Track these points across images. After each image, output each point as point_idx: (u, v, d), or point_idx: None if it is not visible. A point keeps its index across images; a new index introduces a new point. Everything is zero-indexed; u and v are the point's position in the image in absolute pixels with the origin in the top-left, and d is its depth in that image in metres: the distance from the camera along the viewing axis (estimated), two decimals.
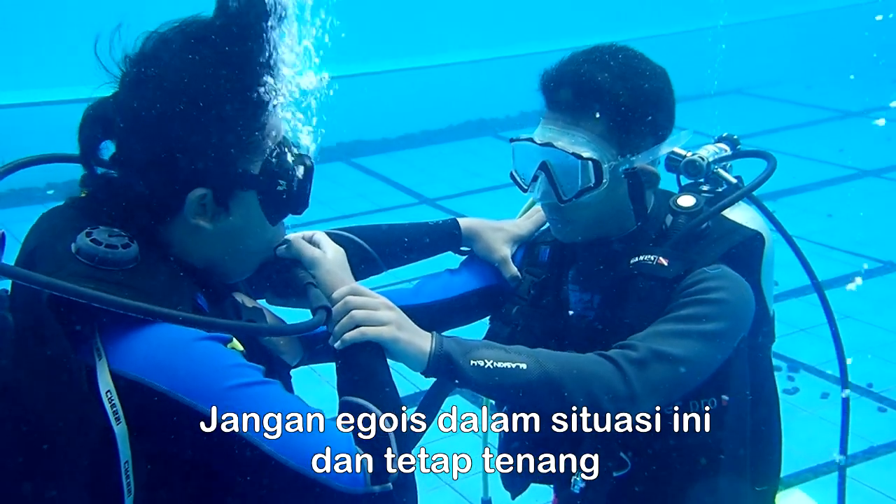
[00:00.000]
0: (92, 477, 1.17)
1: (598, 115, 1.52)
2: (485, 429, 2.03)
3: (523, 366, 1.40)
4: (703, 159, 1.66)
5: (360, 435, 1.24)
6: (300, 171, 1.33)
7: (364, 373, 1.34)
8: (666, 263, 1.54)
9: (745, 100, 9.28)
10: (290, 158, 1.32)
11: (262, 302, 1.55)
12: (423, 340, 1.39)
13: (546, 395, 1.41)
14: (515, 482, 1.75)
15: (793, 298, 4.43)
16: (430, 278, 1.77)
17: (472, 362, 1.39)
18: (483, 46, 8.67)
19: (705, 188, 1.68)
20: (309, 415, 1.22)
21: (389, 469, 1.22)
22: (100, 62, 1.25)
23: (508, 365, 1.40)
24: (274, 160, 1.30)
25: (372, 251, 1.69)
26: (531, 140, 1.58)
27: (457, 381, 1.41)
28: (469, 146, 8.23)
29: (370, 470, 1.21)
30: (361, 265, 1.70)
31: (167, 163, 1.24)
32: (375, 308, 1.37)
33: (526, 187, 1.61)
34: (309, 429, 1.20)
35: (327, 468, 1.18)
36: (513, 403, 1.46)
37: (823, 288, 1.81)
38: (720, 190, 1.68)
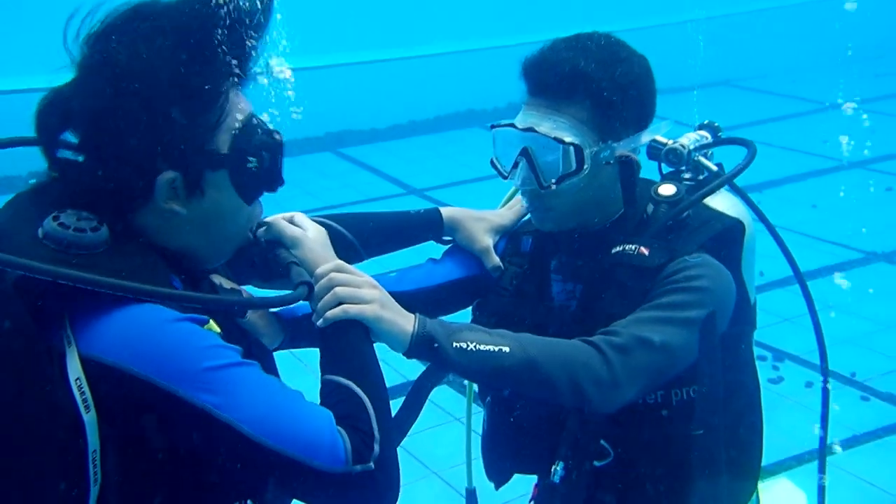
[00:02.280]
0: (60, 466, 1.15)
1: (580, 101, 1.52)
2: (468, 417, 2.04)
3: (506, 349, 1.40)
4: (683, 147, 1.65)
5: (341, 413, 1.23)
6: (270, 147, 1.30)
7: (347, 352, 1.33)
8: (647, 253, 1.54)
9: (733, 91, 9.32)
10: (258, 135, 1.30)
11: (248, 288, 1.54)
12: (405, 321, 1.38)
13: (528, 378, 1.41)
14: (498, 472, 1.75)
15: (777, 288, 4.46)
16: (413, 268, 1.76)
17: (454, 344, 1.39)
18: (471, 36, 8.64)
19: (687, 176, 1.68)
20: (287, 395, 1.21)
21: (371, 448, 1.21)
22: (66, 47, 1.23)
23: (491, 348, 1.40)
24: (242, 138, 1.27)
25: (352, 238, 1.67)
26: (512, 125, 1.57)
27: (439, 363, 1.41)
28: (456, 136, 8.22)
29: (350, 448, 1.19)
30: (341, 253, 1.70)
31: (132, 148, 1.21)
32: (359, 286, 1.36)
33: (506, 174, 1.61)
34: (288, 408, 1.19)
35: (307, 447, 1.17)
36: (494, 386, 1.47)
37: (807, 279, 1.82)
38: (701, 178, 1.68)
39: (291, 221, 1.47)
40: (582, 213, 1.60)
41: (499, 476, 1.76)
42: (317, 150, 7.82)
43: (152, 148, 1.22)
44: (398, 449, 1.31)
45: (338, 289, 1.35)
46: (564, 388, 1.41)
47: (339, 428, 1.21)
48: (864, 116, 6.28)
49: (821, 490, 1.91)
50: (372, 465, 1.20)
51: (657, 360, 1.47)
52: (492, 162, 1.64)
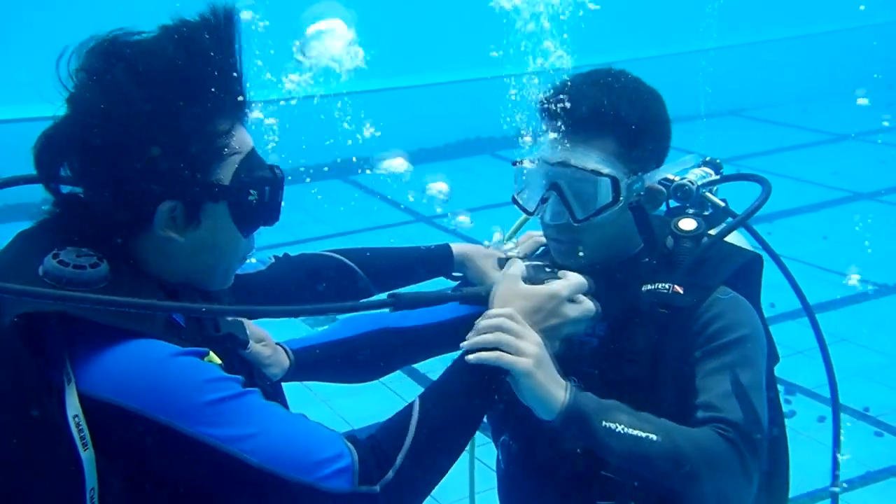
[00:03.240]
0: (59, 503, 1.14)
1: (608, 135, 1.54)
2: (472, 457, 2.00)
3: (654, 437, 1.39)
4: (692, 183, 1.67)
5: (380, 428, 1.24)
6: (271, 182, 1.31)
7: (457, 389, 1.32)
8: (682, 291, 1.54)
9: (741, 122, 9.33)
10: (259, 170, 1.31)
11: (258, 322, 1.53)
12: (557, 387, 1.38)
13: (671, 472, 1.40)
14: None
15: (789, 321, 4.43)
16: None
17: (603, 423, 1.39)
18: (480, 65, 8.71)
19: (691, 211, 1.69)
20: (290, 419, 1.21)
21: (383, 471, 1.20)
22: (60, 80, 1.23)
23: (640, 433, 1.39)
24: (244, 171, 1.29)
25: (362, 274, 1.68)
26: (542, 160, 1.57)
27: (585, 438, 1.40)
28: (466, 164, 8.25)
29: (358, 469, 1.18)
30: (351, 288, 1.69)
31: (135, 176, 1.22)
32: (523, 337, 1.36)
33: (532, 210, 1.60)
34: (291, 434, 1.19)
35: (312, 469, 1.16)
36: (632, 471, 1.45)
37: (817, 311, 1.80)
38: (706, 213, 1.69)
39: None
40: (610, 246, 1.60)
41: None
42: (326, 177, 7.85)
43: (158, 177, 1.22)
44: None
45: (501, 334, 1.35)
46: (706, 486, 1.41)
47: (349, 447, 1.20)
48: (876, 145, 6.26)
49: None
50: (377, 488, 1.19)
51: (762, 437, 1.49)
52: (514, 199, 1.63)
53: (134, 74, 1.21)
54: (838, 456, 1.84)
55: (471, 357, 1.34)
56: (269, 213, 1.32)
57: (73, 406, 1.13)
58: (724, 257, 1.60)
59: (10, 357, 1.14)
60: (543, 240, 1.75)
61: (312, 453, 1.17)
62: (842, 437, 1.84)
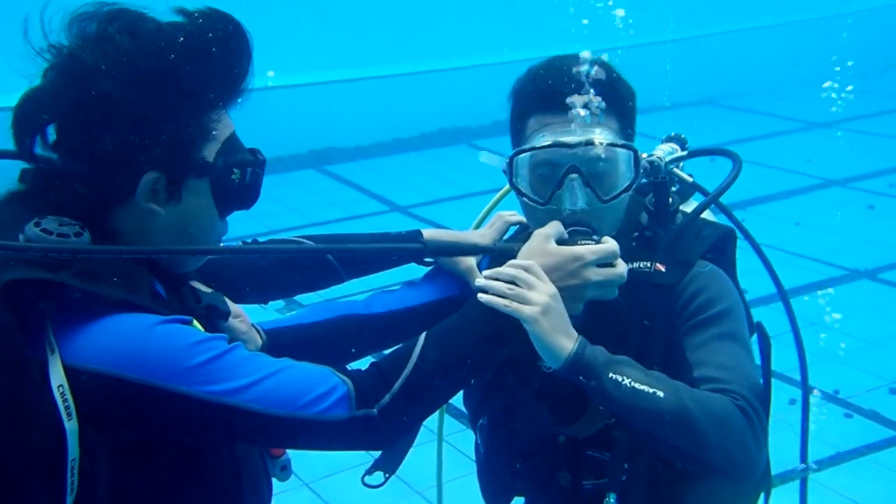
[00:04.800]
0: (39, 474, 1.15)
1: (612, 114, 1.53)
2: (440, 442, 2.01)
3: (661, 393, 1.39)
4: (660, 160, 1.65)
5: (385, 357, 1.31)
6: (252, 164, 1.33)
7: (461, 328, 1.37)
8: (664, 269, 1.55)
9: (716, 110, 9.41)
10: (242, 151, 1.33)
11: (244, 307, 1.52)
12: (566, 338, 1.39)
13: (677, 428, 1.39)
14: (498, 497, 1.74)
15: (761, 306, 4.49)
16: (384, 292, 1.74)
17: (610, 374, 1.39)
18: (456, 55, 8.69)
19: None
20: (279, 364, 1.25)
21: (381, 394, 1.26)
22: (31, 47, 1.22)
23: (646, 389, 1.39)
24: (228, 151, 1.30)
25: (333, 260, 1.67)
26: (557, 144, 1.50)
27: (591, 389, 1.40)
28: (442, 154, 8.23)
29: (354, 395, 1.25)
30: (322, 275, 1.68)
31: (123, 143, 1.21)
32: (532, 287, 1.38)
33: (544, 200, 1.52)
34: (286, 376, 1.24)
35: (314, 406, 1.22)
36: (638, 427, 1.44)
37: (791, 296, 1.82)
38: (674, 189, 1.68)
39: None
40: (614, 228, 1.58)
41: (498, 501, 1.75)
42: (301, 167, 7.81)
43: (144, 148, 1.22)
44: None
45: (513, 284, 1.38)
46: (714, 448, 1.40)
47: (342, 378, 1.26)
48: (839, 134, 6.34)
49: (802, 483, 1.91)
50: (374, 410, 1.25)
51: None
52: (519, 191, 1.56)
53: (136, 40, 1.21)
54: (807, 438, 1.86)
55: (482, 296, 1.38)
56: (248, 194, 1.34)
57: (57, 376, 1.13)
58: (699, 231, 1.61)
59: None
60: (514, 219, 1.75)
61: (309, 390, 1.23)
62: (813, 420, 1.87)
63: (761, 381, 1.55)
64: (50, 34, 1.23)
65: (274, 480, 1.49)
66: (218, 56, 1.25)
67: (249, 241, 1.68)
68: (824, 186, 7.01)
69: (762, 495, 1.69)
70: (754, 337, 1.64)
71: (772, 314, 1.80)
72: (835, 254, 5.67)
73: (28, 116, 1.24)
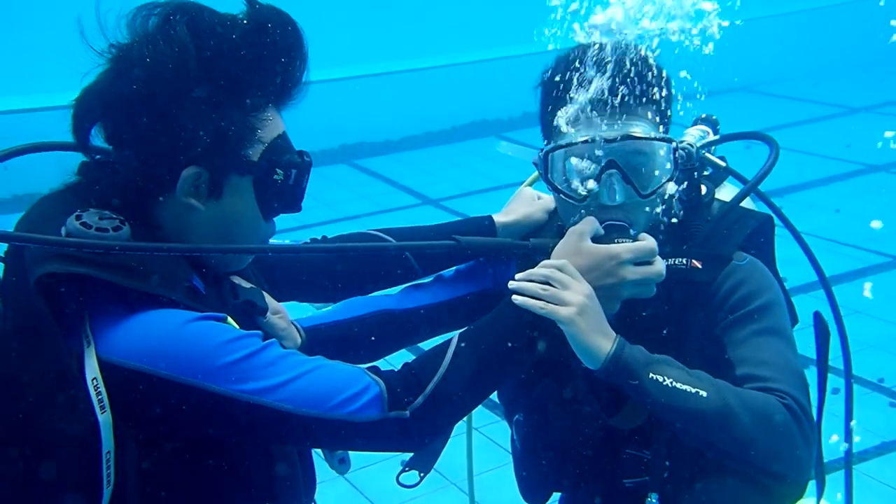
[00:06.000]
0: (76, 466, 1.16)
1: (647, 104, 1.48)
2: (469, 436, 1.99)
3: (703, 393, 1.36)
4: (692, 146, 1.59)
5: (417, 358, 1.30)
6: (298, 165, 1.32)
7: (495, 330, 1.35)
8: (700, 266, 1.51)
9: (752, 97, 9.24)
10: (288, 153, 1.32)
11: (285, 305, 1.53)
12: (604, 338, 1.37)
13: (721, 429, 1.37)
14: (536, 493, 1.73)
15: (802, 294, 4.41)
16: (417, 287, 1.72)
17: (651, 375, 1.37)
18: (485, 47, 8.65)
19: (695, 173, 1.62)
20: (313, 363, 1.25)
21: (413, 396, 1.25)
22: (87, 43, 1.24)
23: (688, 388, 1.37)
24: (273, 151, 1.29)
25: (410, 257, 1.66)
26: (594, 139, 1.45)
27: (631, 389, 1.38)
28: (472, 146, 8.21)
29: (386, 396, 1.24)
30: (398, 270, 1.67)
31: (164, 137, 1.22)
32: (567, 287, 1.36)
33: (580, 197, 1.48)
34: (320, 377, 1.23)
35: (346, 406, 1.22)
36: (681, 429, 1.41)
37: (832, 284, 1.78)
38: (707, 173, 1.64)
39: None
40: (650, 221, 1.53)
41: (536, 497, 1.74)
42: (333, 161, 7.85)
43: (187, 141, 1.23)
44: None
45: (547, 285, 1.36)
46: (761, 449, 1.37)
47: (374, 378, 1.25)
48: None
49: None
50: (407, 413, 1.24)
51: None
52: (555, 187, 1.52)
53: (186, 36, 1.22)
54: (851, 425, 1.82)
55: (517, 298, 1.36)
56: (292, 197, 1.33)
57: (91, 369, 1.14)
58: (735, 221, 1.56)
59: (32, 318, 1.15)
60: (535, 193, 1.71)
61: (341, 391, 1.22)
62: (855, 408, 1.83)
63: (817, 371, 1.50)
64: (107, 32, 1.25)
65: (328, 471, 1.49)
66: (269, 56, 1.25)
67: (311, 239, 1.67)
68: (865, 172, 6.85)
69: (815, 488, 1.65)
70: (810, 328, 1.60)
71: (813, 302, 1.76)
72: (876, 241, 5.53)
73: (83, 109, 1.27)
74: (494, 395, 1.76)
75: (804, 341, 1.58)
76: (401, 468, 1.72)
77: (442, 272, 1.75)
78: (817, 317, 1.61)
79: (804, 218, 5.57)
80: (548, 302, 1.35)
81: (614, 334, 1.38)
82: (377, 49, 8.24)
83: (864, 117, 8.17)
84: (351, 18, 8.20)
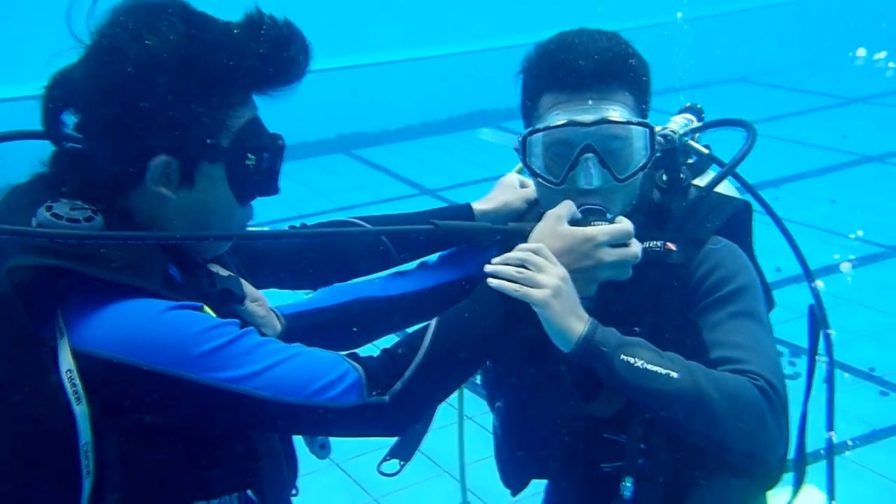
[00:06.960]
0: (53, 459, 1.16)
1: (625, 88, 1.49)
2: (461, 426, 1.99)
3: (675, 374, 1.37)
4: (674, 133, 1.59)
5: (396, 344, 1.29)
6: (270, 149, 1.31)
7: (471, 313, 1.35)
8: (674, 248, 1.52)
9: (749, 87, 9.24)
10: (260, 136, 1.30)
11: (264, 292, 1.53)
12: (577, 321, 1.37)
13: (693, 410, 1.37)
14: (516, 478, 1.74)
15: (794, 284, 4.43)
16: (399, 274, 1.72)
17: (622, 356, 1.37)
18: (482, 36, 8.63)
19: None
20: (290, 350, 1.24)
21: (392, 380, 1.25)
22: (70, 31, 1.23)
23: (659, 370, 1.37)
24: (244, 136, 1.28)
25: (386, 241, 1.66)
26: (571, 123, 1.47)
27: (602, 371, 1.38)
28: (468, 137, 8.19)
29: (365, 382, 1.24)
30: (376, 257, 1.67)
31: (132, 126, 1.21)
32: (542, 270, 1.37)
33: (560, 180, 1.50)
34: (298, 364, 1.23)
35: (324, 392, 1.22)
36: (653, 410, 1.42)
37: (827, 274, 1.78)
38: (691, 161, 1.64)
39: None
40: (627, 206, 1.55)
41: (516, 483, 1.75)
42: (329, 151, 7.84)
43: (155, 130, 1.21)
44: None
45: (522, 267, 1.36)
46: (732, 430, 1.37)
47: (353, 364, 1.25)
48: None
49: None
50: (386, 398, 1.24)
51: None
52: (533, 171, 1.53)
53: (154, 25, 1.21)
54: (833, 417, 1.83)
55: (492, 281, 1.37)
56: (266, 181, 1.31)
57: (65, 360, 1.14)
58: (713, 207, 1.57)
59: (4, 310, 1.14)
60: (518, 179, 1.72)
61: (319, 377, 1.22)
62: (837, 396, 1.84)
63: (807, 363, 1.51)
64: (92, 22, 1.24)
65: (309, 458, 1.49)
66: (241, 44, 1.24)
67: (290, 226, 1.65)
68: (861, 163, 6.87)
69: (792, 475, 1.67)
70: (804, 319, 1.59)
71: (805, 293, 1.78)
72: (871, 230, 5.55)
73: (53, 97, 1.25)
74: None
75: (798, 332, 1.59)
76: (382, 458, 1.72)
77: (426, 259, 1.75)
78: (812, 310, 1.62)
79: (800, 208, 5.58)
80: (522, 284, 1.36)
81: (587, 317, 1.39)
82: (374, 39, 8.21)
83: (859, 108, 8.18)
84: (347, 8, 8.17)
